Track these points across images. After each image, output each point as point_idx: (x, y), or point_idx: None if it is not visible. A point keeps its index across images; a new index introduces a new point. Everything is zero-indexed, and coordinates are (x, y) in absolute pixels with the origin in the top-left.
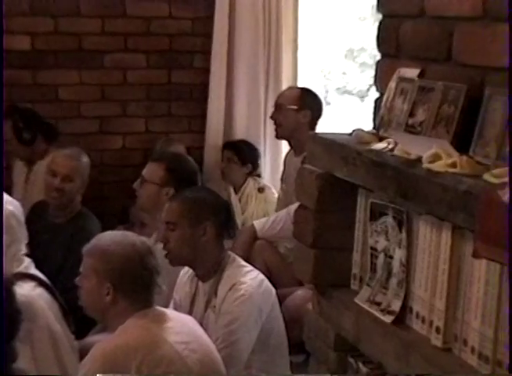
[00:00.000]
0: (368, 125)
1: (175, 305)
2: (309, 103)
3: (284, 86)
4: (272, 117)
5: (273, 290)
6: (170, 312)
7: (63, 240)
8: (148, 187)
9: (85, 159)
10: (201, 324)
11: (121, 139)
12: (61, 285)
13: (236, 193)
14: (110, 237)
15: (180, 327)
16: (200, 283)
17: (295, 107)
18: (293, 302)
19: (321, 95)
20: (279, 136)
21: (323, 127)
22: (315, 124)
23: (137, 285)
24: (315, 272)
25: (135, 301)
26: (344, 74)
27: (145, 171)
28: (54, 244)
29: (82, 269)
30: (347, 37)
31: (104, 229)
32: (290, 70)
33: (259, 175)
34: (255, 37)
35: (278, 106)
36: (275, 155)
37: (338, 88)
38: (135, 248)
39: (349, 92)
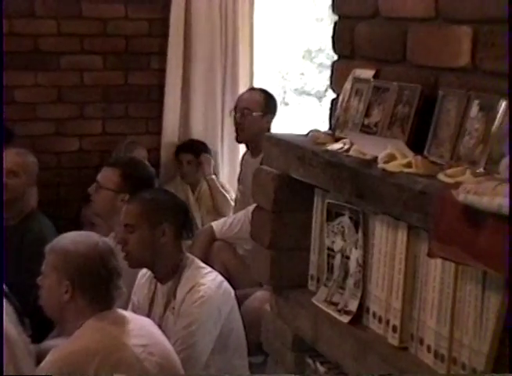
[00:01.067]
0: (326, 126)
1: (133, 308)
2: (272, 107)
3: (241, 87)
4: (235, 122)
5: (232, 291)
6: (129, 314)
7: (15, 242)
8: (103, 193)
9: (32, 159)
10: (160, 326)
11: (78, 141)
12: (15, 288)
13: (193, 193)
14: (73, 236)
15: (139, 329)
16: (159, 285)
17: (261, 113)
18: (253, 304)
19: (279, 95)
20: (240, 140)
21: (282, 128)
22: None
23: (96, 284)
24: (272, 273)
25: (94, 301)
26: (302, 74)
27: (100, 177)
28: (5, 246)
29: (44, 267)
30: (304, 38)
31: (60, 231)
32: (247, 71)
33: (216, 175)
34: (211, 38)
35: (242, 111)
36: (232, 156)
37: (296, 89)
38: (96, 248)
39: (307, 93)
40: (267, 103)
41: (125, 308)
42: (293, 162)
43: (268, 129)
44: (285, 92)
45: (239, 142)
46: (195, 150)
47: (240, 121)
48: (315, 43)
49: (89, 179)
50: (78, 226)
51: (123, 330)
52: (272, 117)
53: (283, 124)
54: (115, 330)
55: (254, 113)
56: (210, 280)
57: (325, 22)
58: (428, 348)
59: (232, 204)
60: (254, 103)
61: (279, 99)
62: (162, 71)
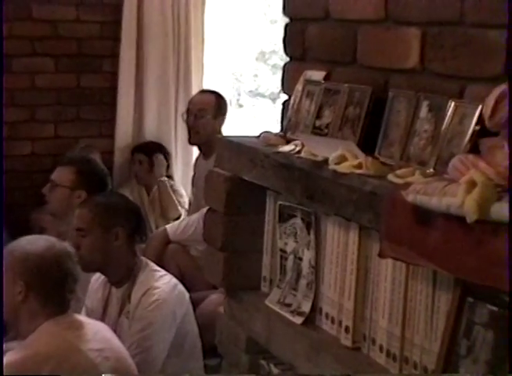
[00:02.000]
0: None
1: (87, 312)
2: (223, 109)
3: (194, 89)
4: (188, 125)
5: (187, 294)
6: (84, 319)
7: None
8: (59, 191)
9: None
10: (115, 330)
11: (30, 145)
12: None
13: (148, 195)
14: (32, 238)
15: (94, 334)
16: (113, 289)
17: (214, 115)
18: (207, 306)
19: (233, 97)
20: (193, 142)
21: (236, 130)
22: None
23: (50, 286)
24: (225, 276)
25: (48, 303)
26: (255, 76)
27: (54, 176)
28: None
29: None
30: (258, 40)
31: (12, 236)
32: (200, 73)
33: (171, 177)
34: (164, 40)
35: (195, 113)
36: (186, 158)
37: (250, 91)
38: (52, 250)
39: (261, 95)
40: (219, 105)
41: (79, 313)
42: (244, 164)
43: (220, 131)
44: (239, 94)
45: (193, 144)
46: (147, 151)
47: (194, 123)
48: (268, 45)
49: (42, 183)
50: (28, 231)
51: (78, 334)
52: (224, 119)
53: (237, 126)
54: (70, 335)
55: (208, 116)
56: (164, 283)
57: (279, 24)
58: (380, 347)
59: (180, 207)
60: (207, 105)
61: (233, 101)
62: (114, 74)
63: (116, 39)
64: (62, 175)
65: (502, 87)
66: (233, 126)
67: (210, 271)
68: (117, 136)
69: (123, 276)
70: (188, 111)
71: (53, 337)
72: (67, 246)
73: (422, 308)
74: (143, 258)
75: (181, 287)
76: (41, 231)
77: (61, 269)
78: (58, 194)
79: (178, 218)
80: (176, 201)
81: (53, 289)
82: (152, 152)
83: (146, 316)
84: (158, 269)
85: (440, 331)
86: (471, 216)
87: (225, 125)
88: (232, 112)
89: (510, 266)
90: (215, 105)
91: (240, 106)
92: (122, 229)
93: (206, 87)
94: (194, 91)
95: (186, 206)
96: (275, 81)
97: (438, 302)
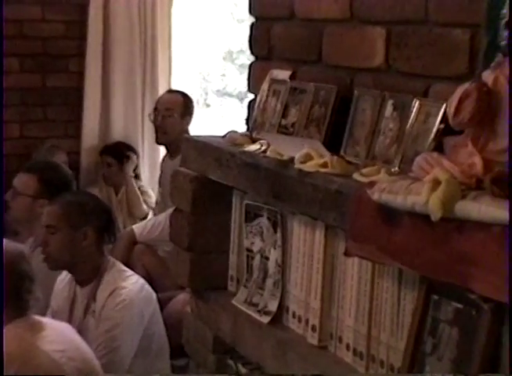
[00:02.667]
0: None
1: (53, 312)
2: (191, 109)
3: (161, 88)
4: (156, 125)
5: (154, 294)
6: (45, 320)
7: None
8: (21, 200)
9: None
10: (81, 330)
11: None
12: None
13: (116, 195)
14: None
15: (56, 335)
16: (79, 289)
17: (181, 115)
18: (175, 306)
19: (201, 97)
20: (160, 142)
21: (203, 129)
22: None
23: (7, 291)
24: (192, 276)
25: (7, 306)
26: (223, 76)
27: (16, 183)
28: None
29: None
30: (225, 39)
31: None
32: (167, 73)
33: (138, 177)
34: (130, 39)
35: (162, 113)
36: (153, 157)
37: (218, 90)
38: (5, 254)
39: (229, 94)
40: (186, 105)
41: (44, 313)
42: (210, 164)
43: (187, 131)
44: (206, 94)
45: (160, 144)
46: (116, 152)
47: (161, 123)
48: (236, 44)
49: (7, 184)
50: None
51: (39, 336)
52: (191, 119)
53: (204, 126)
54: (31, 337)
55: (175, 115)
56: (131, 283)
57: (246, 23)
58: (347, 346)
59: (146, 207)
60: (175, 104)
61: (200, 101)
62: (81, 74)
63: (82, 39)
64: (24, 182)
65: (466, 85)
66: (201, 126)
67: (177, 271)
68: (84, 136)
69: (89, 275)
70: (155, 111)
71: (15, 340)
72: (20, 247)
73: (388, 306)
74: (111, 258)
75: (148, 287)
76: (15, 235)
77: (15, 271)
78: (20, 203)
79: (144, 217)
80: (142, 200)
81: (9, 292)
82: (121, 153)
83: (112, 316)
84: (125, 269)
85: (406, 329)
86: (436, 214)
87: (192, 125)
88: (199, 112)
89: (510, 268)
90: (182, 105)
91: (208, 105)
92: (91, 229)
93: (173, 86)
94: (161, 90)
95: (153, 206)
96: (242, 81)
97: (404, 300)
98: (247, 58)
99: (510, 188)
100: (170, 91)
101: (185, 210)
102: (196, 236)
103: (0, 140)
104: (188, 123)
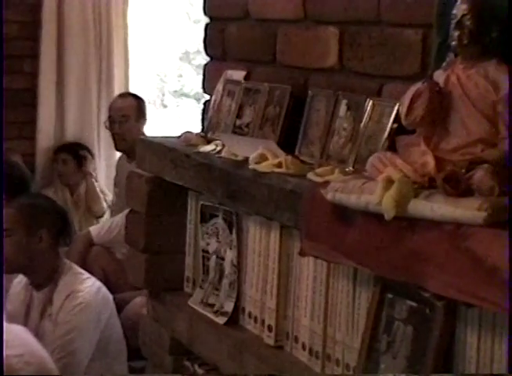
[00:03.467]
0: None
1: (9, 316)
2: (144, 110)
3: (116, 89)
4: (113, 132)
5: (111, 297)
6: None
7: None
8: None
9: None
10: (37, 334)
11: None
12: None
13: (72, 196)
14: None
15: (12, 340)
16: (35, 292)
17: (136, 118)
18: (132, 308)
19: (157, 98)
20: (120, 149)
21: (160, 130)
22: None
23: None
24: (148, 277)
25: None
26: (180, 76)
27: None
28: None
29: None
30: (182, 39)
31: None
32: (123, 73)
33: (95, 178)
34: (85, 40)
35: (118, 120)
36: (109, 158)
37: (175, 91)
38: None
39: (186, 95)
40: (140, 107)
41: None
42: (166, 165)
43: (143, 133)
44: (163, 94)
45: (120, 150)
46: (72, 149)
47: (118, 130)
48: (193, 45)
49: None
50: None
51: None
52: (146, 120)
53: (161, 127)
54: None
55: (131, 120)
56: (88, 286)
57: (202, 23)
58: (303, 345)
59: (105, 204)
60: (129, 109)
61: (157, 102)
62: (35, 75)
63: (36, 39)
64: None
65: (418, 85)
66: (158, 127)
67: (133, 273)
68: (39, 138)
69: (45, 278)
70: (110, 118)
71: None
72: None
73: (343, 305)
74: (67, 261)
75: (105, 289)
76: None
77: None
78: None
79: (103, 215)
80: (102, 197)
81: None
82: (76, 150)
83: (69, 319)
84: (82, 271)
85: (361, 328)
86: (389, 213)
87: (149, 126)
88: (156, 112)
89: (510, 268)
90: (136, 108)
91: (165, 106)
92: (47, 232)
93: (130, 87)
94: (117, 91)
95: (110, 204)
96: (199, 81)
97: (359, 299)
98: (204, 58)
99: (510, 188)
100: (121, 95)
101: (141, 211)
102: (151, 237)
103: (0, 140)
104: (143, 125)
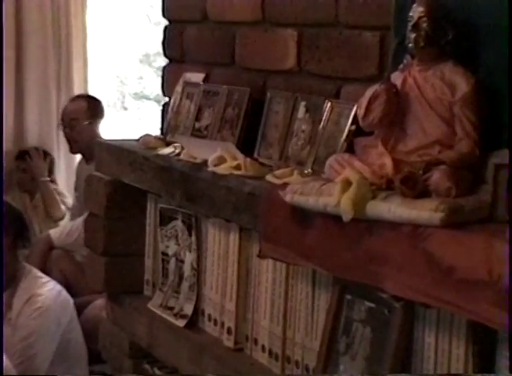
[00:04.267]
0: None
1: None
2: (99, 112)
3: (77, 91)
4: (65, 134)
5: (71, 300)
6: None
7: None
8: None
9: None
10: None
11: None
12: None
13: (31, 201)
14: None
15: None
16: None
17: (89, 120)
18: (92, 312)
19: (118, 100)
20: (74, 151)
21: (121, 133)
22: None
23: None
24: (107, 280)
25: None
26: (140, 78)
27: None
28: None
29: None
30: (142, 42)
31: None
32: (82, 76)
33: (54, 181)
34: (44, 42)
35: (69, 122)
36: (69, 162)
37: (135, 93)
38: None
39: (146, 97)
40: (93, 109)
41: None
42: (124, 167)
43: (98, 134)
44: (124, 97)
45: (74, 153)
46: (31, 156)
47: (70, 134)
48: (153, 47)
49: None
50: None
51: None
52: (100, 120)
53: (122, 129)
54: None
55: (83, 123)
56: (48, 289)
57: (162, 26)
58: (263, 347)
59: (64, 207)
60: (81, 112)
61: (117, 104)
62: None
63: None
64: None
65: (375, 87)
66: (118, 129)
67: (93, 276)
68: None
69: (5, 282)
70: (62, 121)
71: None
72: None
73: (302, 307)
74: (26, 265)
75: (65, 293)
76: None
77: None
78: None
79: (62, 218)
80: (60, 201)
81: None
82: (35, 157)
83: (29, 324)
84: (41, 275)
85: (320, 329)
86: (347, 215)
87: (110, 128)
88: (117, 115)
89: (510, 270)
90: (88, 110)
91: (125, 108)
92: (4, 236)
93: (90, 90)
94: (77, 93)
95: (70, 206)
96: (160, 84)
97: (318, 301)
98: (164, 61)
99: (510, 189)
100: (73, 99)
101: (100, 214)
102: (110, 240)
103: (0, 140)
104: (97, 125)
